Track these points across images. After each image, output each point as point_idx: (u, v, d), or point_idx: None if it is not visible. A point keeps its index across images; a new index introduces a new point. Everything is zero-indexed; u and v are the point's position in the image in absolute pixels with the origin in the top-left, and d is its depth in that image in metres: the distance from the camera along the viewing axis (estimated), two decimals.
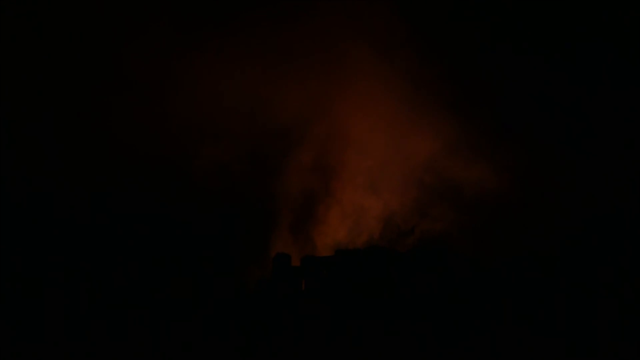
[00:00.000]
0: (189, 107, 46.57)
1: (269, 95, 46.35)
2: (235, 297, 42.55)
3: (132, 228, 44.79)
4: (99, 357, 38.74)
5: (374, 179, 46.22)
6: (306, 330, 41.07)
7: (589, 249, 42.60)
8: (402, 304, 41.24)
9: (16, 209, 44.59)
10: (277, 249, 44.37)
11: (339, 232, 45.61)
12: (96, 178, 45.45)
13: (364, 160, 46.43)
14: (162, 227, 45.08)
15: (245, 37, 46.65)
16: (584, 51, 46.31)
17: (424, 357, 38.96)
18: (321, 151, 46.67)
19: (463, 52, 46.19)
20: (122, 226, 44.84)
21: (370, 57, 46.41)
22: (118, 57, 46.17)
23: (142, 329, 40.71)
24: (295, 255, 43.34)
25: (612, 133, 45.43)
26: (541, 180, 44.65)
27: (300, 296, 42.16)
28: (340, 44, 46.69)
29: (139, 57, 46.26)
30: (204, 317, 41.72)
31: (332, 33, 46.73)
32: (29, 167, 45.17)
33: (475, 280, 41.67)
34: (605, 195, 44.07)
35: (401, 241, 44.90)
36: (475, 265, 42.02)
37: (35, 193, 45.02)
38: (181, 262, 44.00)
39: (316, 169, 46.64)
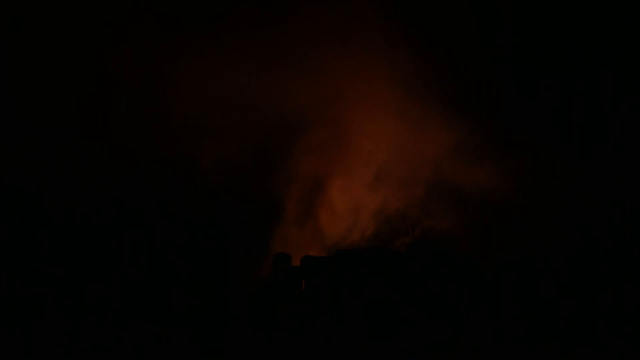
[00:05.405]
0: (189, 106, 46.53)
1: (270, 94, 46.28)
2: (235, 297, 42.59)
3: (132, 228, 44.84)
4: (99, 357, 38.67)
5: (376, 178, 46.20)
6: (306, 330, 41.11)
7: (589, 249, 42.62)
8: (403, 304, 41.26)
9: (16, 209, 44.65)
10: (277, 248, 44.38)
11: (339, 231, 45.60)
12: (96, 178, 45.48)
13: (367, 159, 46.39)
14: (162, 227, 45.12)
15: (246, 34, 46.58)
16: (589, 55, 46.28)
17: (424, 357, 38.91)
18: (322, 150, 46.63)
19: (467, 53, 46.12)
20: (122, 226, 44.89)
21: (375, 57, 46.33)
22: (118, 57, 46.15)
23: (142, 329, 40.76)
24: (296, 255, 43.36)
25: (615, 136, 45.46)
26: (544, 181, 44.61)
27: (300, 296, 42.19)
28: (341, 43, 46.60)
29: (139, 57, 46.26)
30: (203, 317, 41.78)
31: (333, 32, 46.65)
32: (29, 167, 45.20)
33: (475, 280, 41.68)
34: (606, 195, 44.08)
35: (401, 240, 44.90)
36: (476, 266, 42.01)
37: (35, 193, 45.06)
38: (181, 262, 44.04)
39: (317, 168, 46.60)
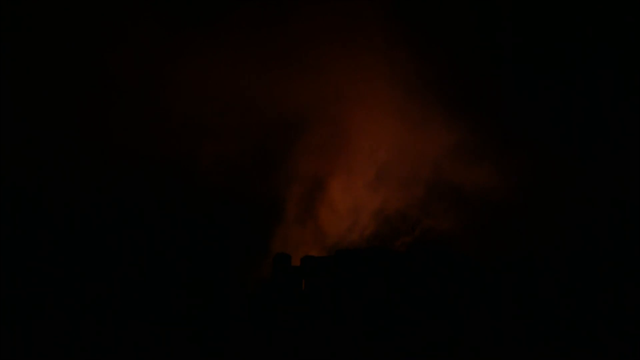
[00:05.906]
0: (189, 106, 46.52)
1: (270, 94, 46.25)
2: (235, 297, 42.57)
3: (132, 228, 44.83)
4: (99, 357, 38.66)
5: (377, 178, 46.18)
6: (306, 330, 41.09)
7: (589, 249, 42.60)
8: (403, 304, 41.24)
9: (16, 209, 44.64)
10: (277, 248, 44.37)
11: (339, 231, 45.58)
12: (96, 178, 45.48)
13: (367, 159, 46.37)
14: (162, 227, 45.10)
15: (246, 34, 46.55)
16: (589, 55, 46.27)
17: (424, 357, 38.90)
18: (322, 150, 46.61)
19: (467, 53, 46.10)
20: (122, 226, 44.88)
21: (375, 57, 46.29)
22: (118, 57, 46.15)
23: (142, 329, 40.75)
24: (296, 255, 43.34)
25: (615, 136, 45.46)
26: (544, 181, 44.60)
27: (300, 296, 42.17)
28: (341, 43, 46.59)
29: (139, 57, 46.25)
30: (203, 317, 41.76)
31: (333, 32, 46.64)
32: (29, 167, 45.20)
33: (475, 280, 41.66)
34: (606, 195, 44.06)
35: (401, 240, 44.89)
36: (476, 266, 42.00)
37: (35, 193, 45.06)
38: (181, 262, 44.01)
39: (317, 168, 46.59)
